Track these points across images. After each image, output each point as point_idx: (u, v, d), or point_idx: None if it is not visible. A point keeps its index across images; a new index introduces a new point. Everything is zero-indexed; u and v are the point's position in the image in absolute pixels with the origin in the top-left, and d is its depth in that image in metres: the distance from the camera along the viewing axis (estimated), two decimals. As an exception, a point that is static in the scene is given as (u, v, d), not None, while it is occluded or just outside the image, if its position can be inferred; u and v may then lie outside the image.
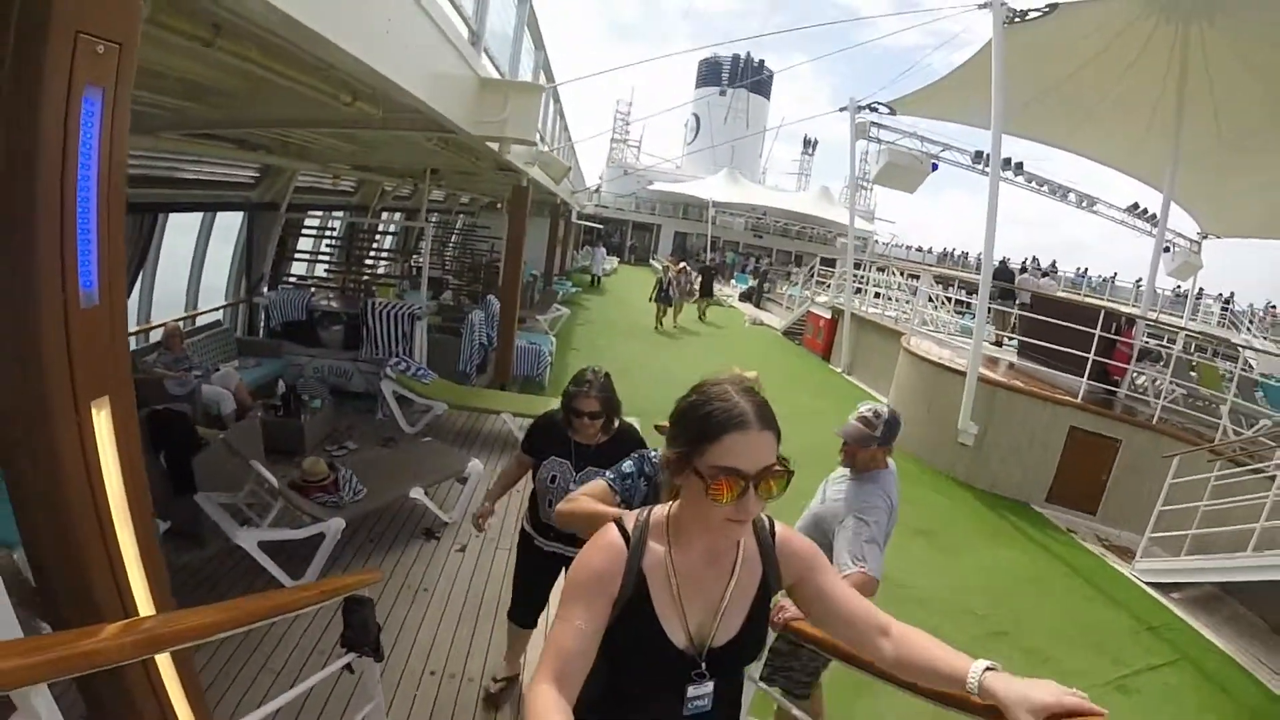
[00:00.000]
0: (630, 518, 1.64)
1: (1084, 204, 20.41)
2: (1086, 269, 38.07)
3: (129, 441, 1.88)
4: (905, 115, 16.18)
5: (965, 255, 48.18)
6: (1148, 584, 7.55)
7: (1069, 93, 12.59)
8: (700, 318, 23.18)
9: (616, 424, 3.49)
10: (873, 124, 16.31)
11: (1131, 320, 10.66)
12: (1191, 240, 19.76)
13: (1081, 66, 11.54)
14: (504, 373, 10.16)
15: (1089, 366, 9.35)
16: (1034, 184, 19.45)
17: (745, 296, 31.28)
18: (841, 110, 16.84)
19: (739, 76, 60.63)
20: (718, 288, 27.88)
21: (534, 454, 3.57)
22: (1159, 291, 26.69)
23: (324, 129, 6.16)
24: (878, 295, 19.07)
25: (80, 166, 1.61)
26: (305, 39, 2.66)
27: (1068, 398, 9.37)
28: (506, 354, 10.20)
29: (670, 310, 20.38)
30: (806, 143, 65.55)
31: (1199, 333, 17.12)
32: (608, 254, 38.50)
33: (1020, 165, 18.77)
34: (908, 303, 15.81)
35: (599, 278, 29.84)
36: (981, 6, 9.84)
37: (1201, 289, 26.60)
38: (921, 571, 6.97)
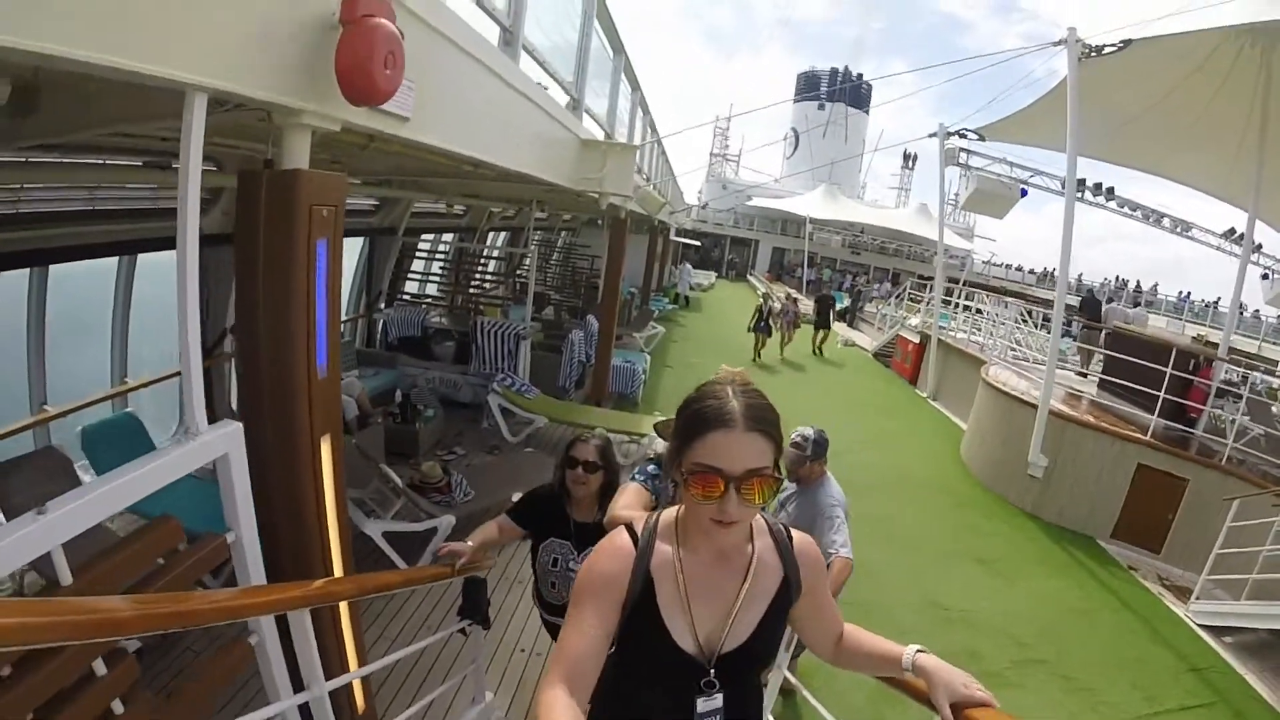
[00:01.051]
0: (641, 520, 1.66)
1: (1178, 229, 20.05)
2: (1189, 293, 36.71)
3: (337, 463, 2.76)
4: (994, 140, 16.26)
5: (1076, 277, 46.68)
6: (1200, 626, 7.62)
7: (1157, 118, 12.57)
8: (814, 351, 20.87)
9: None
10: (962, 150, 16.46)
11: (1210, 359, 10.74)
12: None
13: (1167, 95, 11.63)
14: (600, 389, 10.99)
15: (1159, 404, 9.55)
16: (1126, 209, 19.26)
17: (839, 316, 31.24)
18: (931, 136, 17.06)
19: (838, 90, 60.51)
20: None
21: (528, 528, 3.47)
22: (1263, 319, 25.77)
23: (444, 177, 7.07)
24: (968, 317, 19.06)
25: (318, 289, 2.45)
26: (446, 152, 3.50)
27: (1136, 434, 9.53)
28: (603, 372, 11.03)
29: (768, 341, 18.58)
30: (906, 157, 64.80)
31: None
32: (705, 269, 39.06)
33: (1111, 190, 18.58)
34: (990, 332, 16.00)
35: (686, 297, 29.02)
36: (1057, 44, 10.19)
37: None
38: (973, 596, 7.43)
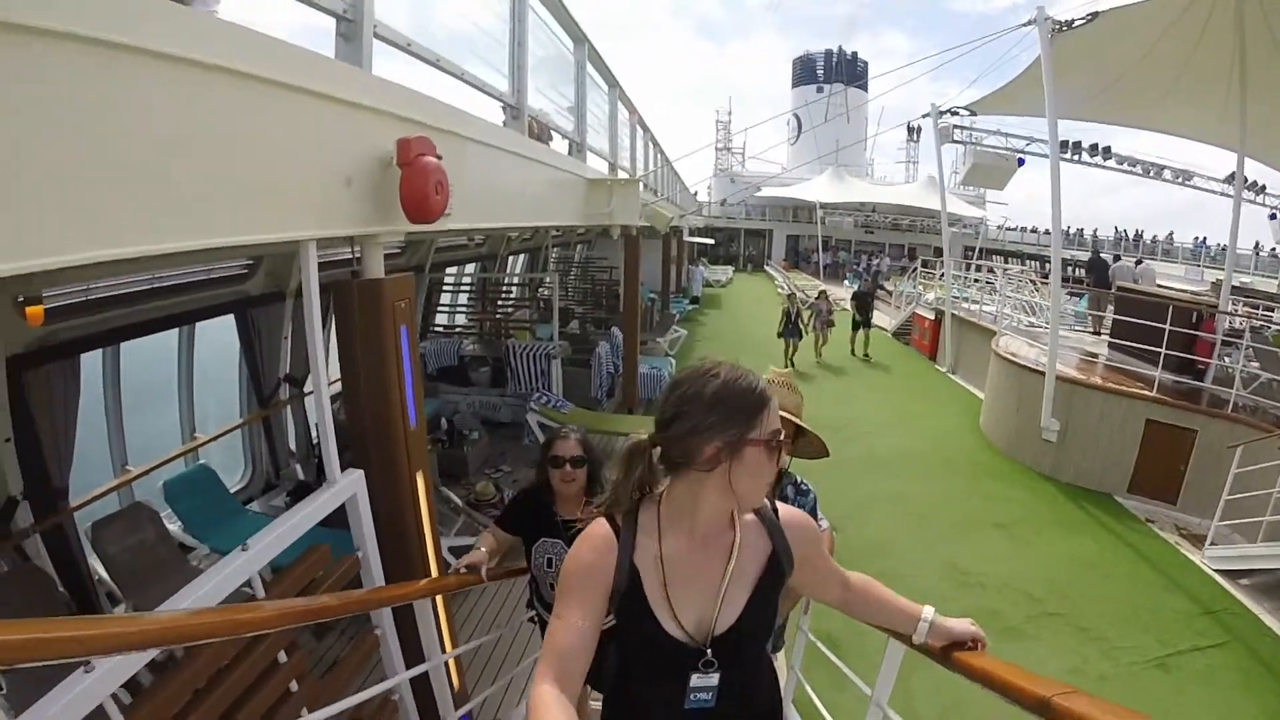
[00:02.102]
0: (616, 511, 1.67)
1: (1180, 179, 20.39)
2: (1205, 238, 36.52)
3: (428, 491, 3.47)
4: (985, 114, 16.64)
5: (1081, 232, 46.45)
6: (1216, 570, 7.99)
7: (1142, 75, 12.88)
8: (854, 352, 19.03)
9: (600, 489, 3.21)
10: (956, 127, 16.89)
11: (1212, 311, 11.14)
12: None
13: (1147, 53, 11.95)
14: (630, 397, 11.68)
15: (1161, 359, 10.00)
16: (1126, 165, 19.65)
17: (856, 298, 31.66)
18: (925, 117, 17.50)
19: (834, 71, 60.59)
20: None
21: (517, 533, 3.53)
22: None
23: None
24: (980, 287, 19.38)
25: (404, 364, 3.12)
26: (476, 230, 4.16)
27: (1143, 391, 9.95)
28: (632, 380, 11.71)
29: (798, 345, 17.29)
30: (910, 130, 64.48)
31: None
32: (722, 264, 39.47)
33: (1108, 150, 19.03)
34: (999, 302, 16.44)
35: (697, 297, 28.92)
36: (1026, 25, 10.70)
37: None
38: (991, 560, 7.95)
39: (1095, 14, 10.36)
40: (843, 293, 33.35)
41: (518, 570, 3.70)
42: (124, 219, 1.69)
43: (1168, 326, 10.08)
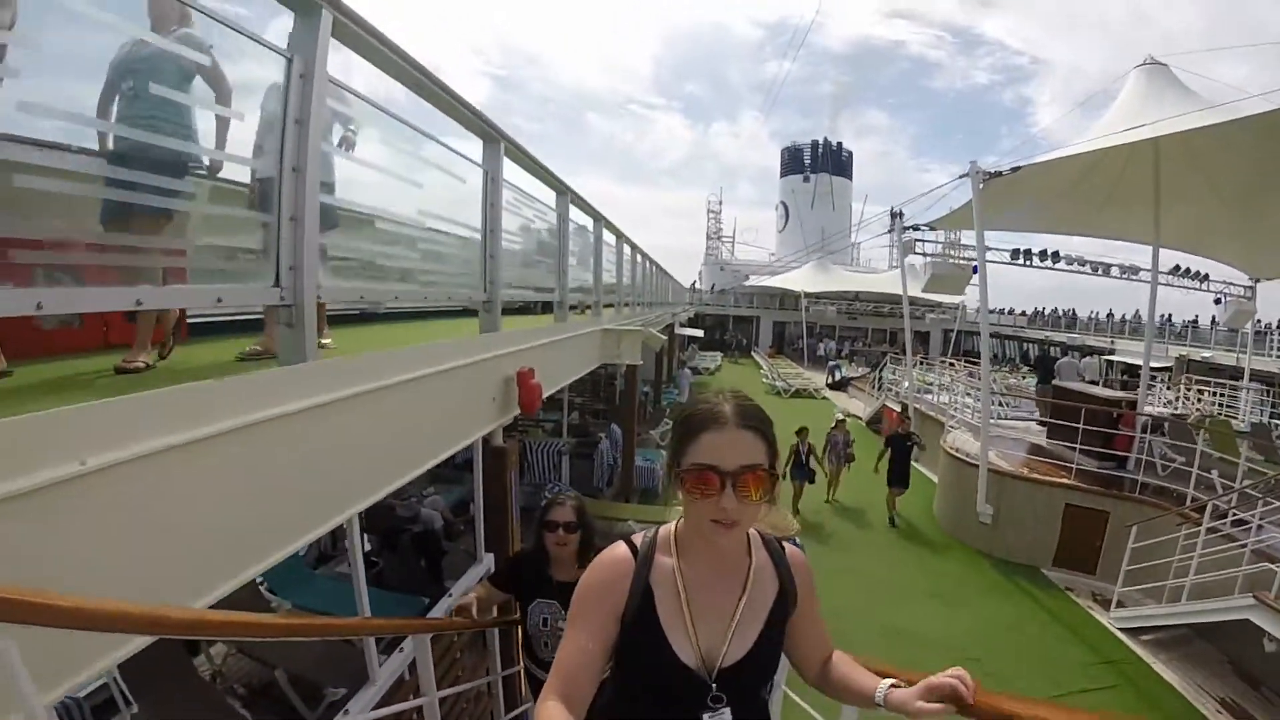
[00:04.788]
0: (639, 535, 1.65)
1: (1125, 275, 22.40)
2: (1169, 315, 38.33)
3: None
4: (942, 229, 18.44)
5: (1056, 312, 48.72)
6: (1121, 629, 9.53)
7: (1075, 199, 15.16)
8: (894, 521, 13.78)
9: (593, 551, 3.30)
10: (916, 240, 18.88)
11: (1133, 404, 13.20)
12: (1244, 287, 20.63)
13: (1077, 183, 14.25)
14: (628, 487, 13.52)
15: (1083, 449, 11.96)
16: (1075, 265, 21.80)
17: (834, 386, 33.50)
18: (889, 232, 19.65)
19: (820, 161, 63.43)
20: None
21: (510, 591, 3.63)
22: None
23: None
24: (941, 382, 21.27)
25: (512, 491, 5.05)
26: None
27: (1061, 479, 11.79)
28: (629, 472, 13.58)
29: (806, 489, 13.75)
30: (894, 215, 67.06)
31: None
32: (710, 350, 41.16)
33: (1056, 254, 21.25)
34: (950, 399, 18.35)
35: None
36: (963, 176, 13.00)
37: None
38: (926, 621, 9.61)
39: (1017, 167, 12.59)
40: (822, 380, 35.06)
41: (507, 619, 4.19)
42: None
43: (1080, 425, 12.04)
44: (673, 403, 24.59)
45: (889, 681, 1.59)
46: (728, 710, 1.51)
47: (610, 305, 10.61)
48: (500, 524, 5.22)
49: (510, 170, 4.79)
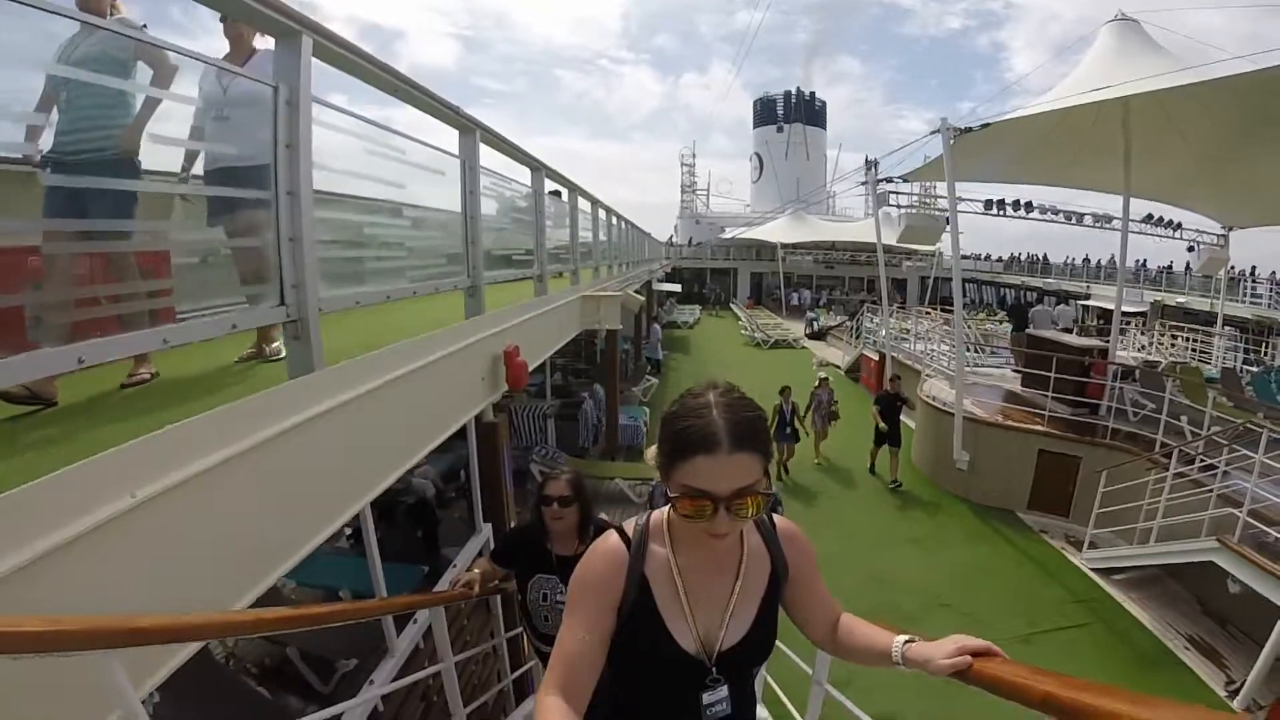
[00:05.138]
0: (630, 524, 1.65)
1: (1099, 224, 22.67)
2: (1144, 260, 38.32)
3: None
4: (915, 180, 18.78)
5: (1031, 257, 48.56)
6: (1093, 570, 9.95)
7: (1047, 149, 15.14)
8: (874, 469, 13.98)
9: (592, 530, 3.45)
10: (890, 192, 19.05)
11: (1105, 352, 13.50)
12: (1217, 235, 20.87)
13: (1047, 134, 14.23)
14: (613, 445, 13.76)
15: (1052, 396, 12.36)
16: (1049, 214, 22.10)
17: (814, 336, 33.84)
18: (863, 184, 19.77)
19: (793, 111, 63.03)
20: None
21: (511, 567, 3.69)
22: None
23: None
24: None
25: (506, 465, 5.25)
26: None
27: (1035, 426, 12.16)
28: (613, 431, 13.82)
29: (793, 450, 13.61)
30: (869, 163, 66.92)
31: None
32: (689, 303, 41.22)
33: (1030, 204, 21.55)
34: (927, 348, 18.73)
35: (658, 361, 25.66)
36: (934, 132, 13.11)
37: (1254, 267, 27.79)
38: (903, 566, 10.00)
39: (987, 124, 12.72)
40: (802, 329, 35.18)
41: (503, 587, 4.10)
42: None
43: (1053, 374, 12.44)
44: (651, 357, 24.78)
45: (904, 638, 1.62)
46: (725, 686, 1.56)
47: (589, 268, 10.75)
48: (495, 495, 5.46)
49: (486, 154, 4.88)
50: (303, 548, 2.53)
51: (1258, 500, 7.80)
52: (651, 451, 3.21)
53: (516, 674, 5.43)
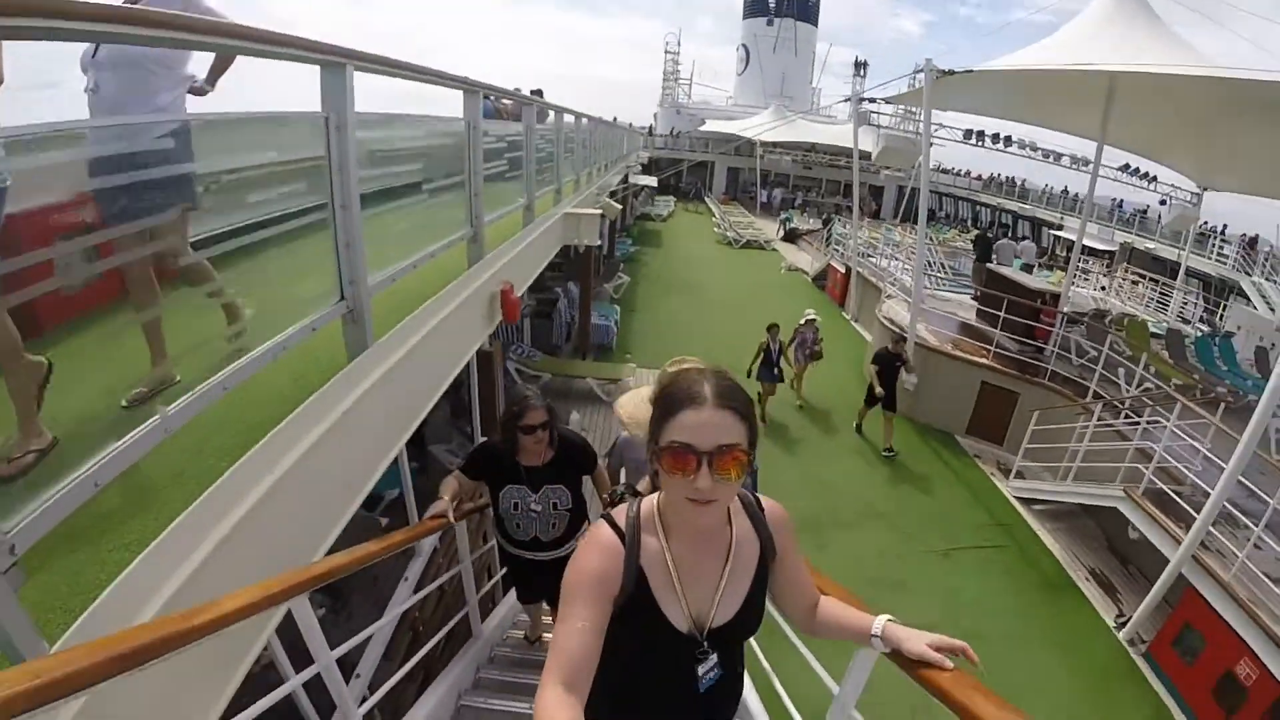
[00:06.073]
0: (620, 513, 1.67)
1: (1075, 166, 23.12)
2: (1121, 201, 38.05)
3: None
4: (897, 104, 18.79)
5: (1010, 180, 48.20)
6: (1016, 498, 10.84)
7: (1029, 88, 15.05)
8: (860, 429, 12.99)
9: (556, 436, 3.70)
10: (871, 113, 19.27)
11: (1056, 296, 14.20)
12: (1191, 193, 21.00)
13: (1029, 79, 14.13)
14: (585, 344, 14.48)
15: (997, 332, 13.24)
16: (1027, 150, 22.48)
17: (786, 238, 34.07)
18: (845, 100, 19.88)
19: (786, 4, 61.26)
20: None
21: (481, 479, 3.80)
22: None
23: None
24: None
25: (499, 380, 5.90)
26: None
27: (980, 359, 12.94)
28: (585, 329, 14.50)
29: (774, 390, 13.04)
30: (857, 65, 65.55)
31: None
32: (664, 195, 41.04)
33: (1009, 138, 21.87)
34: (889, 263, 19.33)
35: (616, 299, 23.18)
36: (917, 72, 13.44)
37: (1225, 226, 27.98)
38: (846, 476, 10.89)
39: (970, 70, 13.03)
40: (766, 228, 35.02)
41: (481, 505, 4.31)
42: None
43: (1003, 314, 13.34)
44: (625, 254, 25.05)
45: (885, 617, 1.76)
46: (715, 655, 1.64)
47: (571, 181, 11.22)
48: (490, 412, 6.17)
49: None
50: (368, 483, 3.23)
51: (1166, 461, 8.53)
52: (624, 399, 3.85)
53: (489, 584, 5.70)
